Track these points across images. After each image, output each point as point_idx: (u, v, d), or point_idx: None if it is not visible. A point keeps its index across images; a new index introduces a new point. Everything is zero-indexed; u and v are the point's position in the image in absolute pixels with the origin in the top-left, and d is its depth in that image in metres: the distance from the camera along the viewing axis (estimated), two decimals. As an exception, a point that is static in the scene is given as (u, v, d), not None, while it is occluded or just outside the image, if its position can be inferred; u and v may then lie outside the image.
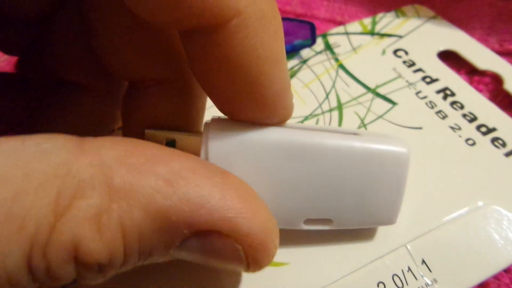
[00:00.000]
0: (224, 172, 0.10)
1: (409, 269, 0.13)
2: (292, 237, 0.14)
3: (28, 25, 0.14)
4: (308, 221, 0.13)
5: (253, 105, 0.11)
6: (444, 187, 0.15)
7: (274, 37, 0.10)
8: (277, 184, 0.12)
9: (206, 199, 0.09)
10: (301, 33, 0.20)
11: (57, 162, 0.08)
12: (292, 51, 0.20)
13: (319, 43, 0.20)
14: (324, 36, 0.21)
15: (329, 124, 0.17)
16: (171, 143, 0.13)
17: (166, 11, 0.09)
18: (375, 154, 0.12)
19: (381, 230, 0.14)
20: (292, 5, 0.25)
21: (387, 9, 0.23)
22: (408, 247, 0.14)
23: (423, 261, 0.13)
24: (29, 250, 0.08)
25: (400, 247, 0.14)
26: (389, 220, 0.13)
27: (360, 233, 0.14)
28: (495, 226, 0.14)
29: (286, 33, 0.19)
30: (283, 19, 0.19)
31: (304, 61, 0.19)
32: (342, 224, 0.13)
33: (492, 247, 0.13)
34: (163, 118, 0.13)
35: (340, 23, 0.24)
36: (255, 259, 0.10)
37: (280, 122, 0.12)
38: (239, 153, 0.11)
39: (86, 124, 0.15)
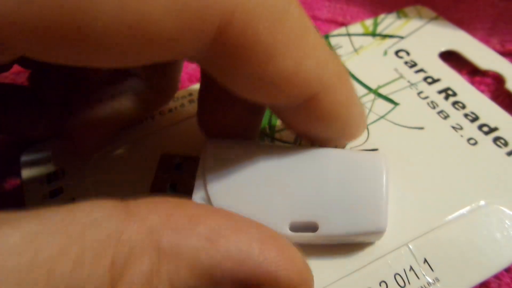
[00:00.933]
0: (259, 224, 0.11)
1: (411, 268, 0.13)
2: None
3: None
4: (293, 226, 0.13)
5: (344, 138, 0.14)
6: (446, 187, 0.15)
7: (347, 79, 0.13)
8: (263, 188, 0.13)
9: (246, 254, 0.10)
10: None
11: (108, 231, 0.09)
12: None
13: (321, 45, 0.20)
14: (326, 37, 0.21)
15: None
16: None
17: (268, 99, 0.12)
18: (352, 158, 0.13)
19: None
20: (293, 6, 0.25)
21: (389, 10, 0.23)
22: (410, 246, 0.14)
23: (425, 260, 0.13)
24: None
25: (402, 246, 0.14)
26: (377, 227, 0.13)
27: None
28: (497, 225, 0.14)
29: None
30: None
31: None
32: (329, 229, 0.12)
33: (494, 246, 0.13)
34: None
35: (341, 24, 0.24)
36: None
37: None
38: (232, 167, 0.13)
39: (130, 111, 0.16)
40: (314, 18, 0.24)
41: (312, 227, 0.13)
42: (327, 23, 0.24)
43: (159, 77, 0.17)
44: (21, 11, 0.08)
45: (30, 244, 0.08)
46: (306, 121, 0.13)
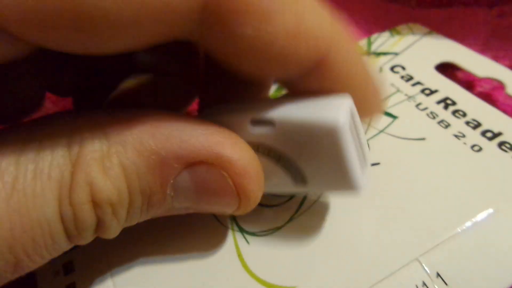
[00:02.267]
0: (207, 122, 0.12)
1: (424, 284, 0.13)
2: (298, 260, 0.13)
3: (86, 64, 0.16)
4: (253, 121, 0.12)
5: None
6: (454, 196, 0.14)
7: (357, 52, 0.12)
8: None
9: (190, 135, 0.11)
10: None
11: (63, 125, 0.10)
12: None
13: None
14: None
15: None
16: None
17: (276, 68, 0.11)
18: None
19: (391, 245, 0.13)
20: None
21: (384, 27, 0.23)
22: (421, 260, 0.13)
23: (438, 274, 0.13)
24: (59, 196, 0.10)
25: (412, 261, 0.13)
26: (334, 118, 0.11)
27: (368, 247, 0.13)
28: (510, 232, 0.13)
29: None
30: None
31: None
32: (286, 122, 0.12)
33: (509, 255, 0.13)
34: None
35: None
36: (242, 188, 0.11)
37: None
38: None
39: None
40: None
41: (270, 124, 0.12)
42: None
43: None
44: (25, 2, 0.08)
45: None
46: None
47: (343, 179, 0.12)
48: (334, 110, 0.11)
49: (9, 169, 0.09)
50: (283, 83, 0.13)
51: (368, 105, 0.13)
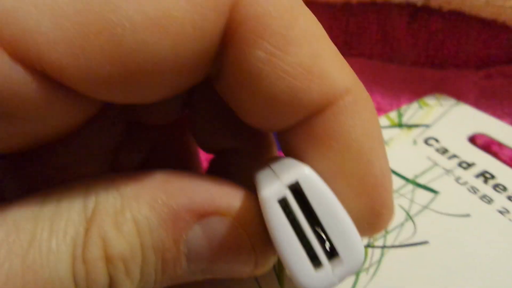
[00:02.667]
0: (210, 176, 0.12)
1: None
2: None
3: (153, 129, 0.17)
4: None
5: (359, 189, 0.11)
6: (502, 276, 0.14)
7: (374, 113, 0.11)
8: None
9: (199, 188, 0.11)
10: None
11: (79, 187, 0.11)
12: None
13: (351, 140, 0.22)
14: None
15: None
16: None
17: (283, 122, 0.11)
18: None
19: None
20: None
21: (382, 86, 0.25)
22: None
23: None
24: (73, 253, 0.10)
25: None
26: None
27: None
28: None
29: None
30: None
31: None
32: None
33: None
34: None
35: None
36: (258, 244, 0.11)
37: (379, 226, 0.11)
38: None
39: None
40: None
41: None
42: None
43: None
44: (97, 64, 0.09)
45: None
46: (319, 140, 0.11)
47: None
48: (271, 180, 0.10)
49: (26, 227, 0.10)
50: (280, 136, 0.12)
51: (366, 201, 0.11)
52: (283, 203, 0.10)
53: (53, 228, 0.10)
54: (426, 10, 0.27)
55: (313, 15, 0.11)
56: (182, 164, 0.18)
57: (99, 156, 0.15)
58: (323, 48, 0.10)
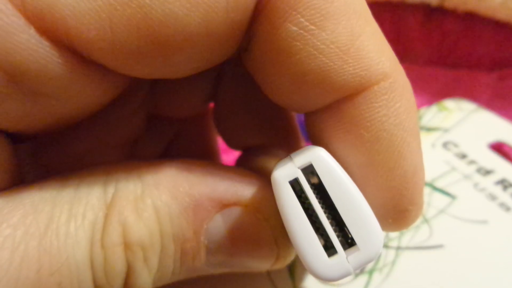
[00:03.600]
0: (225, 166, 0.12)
1: None
2: None
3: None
4: None
5: (389, 181, 0.10)
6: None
7: (412, 103, 0.10)
8: None
9: (223, 178, 0.11)
10: None
11: (99, 171, 0.11)
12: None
13: (368, 139, 0.21)
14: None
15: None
16: None
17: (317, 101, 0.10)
18: None
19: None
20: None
21: (421, 99, 0.24)
22: None
23: None
24: (91, 237, 0.10)
25: None
26: None
27: None
28: None
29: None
30: None
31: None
32: None
33: None
34: None
35: None
36: (278, 234, 0.11)
37: (405, 220, 0.11)
38: None
39: None
40: None
41: None
42: None
43: None
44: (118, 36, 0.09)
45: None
46: (348, 126, 0.10)
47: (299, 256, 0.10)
48: (285, 161, 0.10)
49: (45, 209, 0.10)
50: (309, 118, 0.11)
51: (392, 196, 0.10)
52: (297, 186, 0.09)
53: (72, 212, 0.10)
54: (441, 10, 0.27)
55: None
56: (202, 159, 0.18)
57: (118, 146, 0.15)
58: (363, 26, 0.09)
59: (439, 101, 0.23)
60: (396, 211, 0.11)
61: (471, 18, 0.26)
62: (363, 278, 0.15)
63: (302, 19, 0.09)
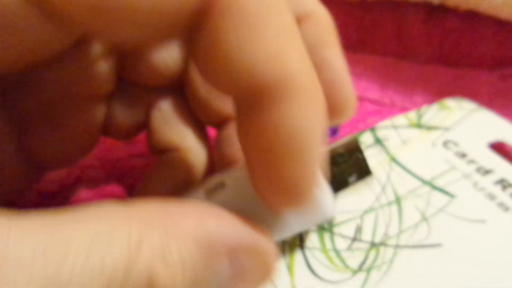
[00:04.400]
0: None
1: None
2: None
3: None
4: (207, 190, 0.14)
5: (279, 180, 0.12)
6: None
7: (320, 109, 0.11)
8: None
9: (233, 226, 0.11)
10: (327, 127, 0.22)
11: (118, 218, 0.10)
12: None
13: (368, 137, 0.21)
14: (373, 130, 0.22)
15: (389, 221, 0.17)
16: None
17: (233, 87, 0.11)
18: None
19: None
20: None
21: (395, 83, 0.25)
22: None
23: None
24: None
25: None
26: None
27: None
28: None
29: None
30: None
31: (356, 155, 0.20)
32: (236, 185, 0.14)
33: None
34: None
35: None
36: (272, 269, 0.12)
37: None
38: None
39: None
40: None
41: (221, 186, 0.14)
42: None
43: None
44: None
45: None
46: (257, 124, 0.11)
47: None
48: None
49: (58, 251, 0.09)
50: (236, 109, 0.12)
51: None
52: None
53: (89, 259, 0.09)
54: (442, 9, 0.27)
55: (287, 4, 0.11)
56: (186, 130, 0.18)
57: (89, 99, 0.16)
58: (290, 40, 0.11)
59: (440, 100, 0.23)
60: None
61: (473, 17, 0.26)
62: (361, 276, 0.15)
63: (239, 33, 0.10)
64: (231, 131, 0.17)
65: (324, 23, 0.15)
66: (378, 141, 0.21)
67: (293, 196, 0.12)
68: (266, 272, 0.12)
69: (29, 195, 0.20)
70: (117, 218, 0.10)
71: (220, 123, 0.17)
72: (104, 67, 0.15)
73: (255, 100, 0.11)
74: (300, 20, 0.14)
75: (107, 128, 0.17)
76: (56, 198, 0.20)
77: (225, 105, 0.17)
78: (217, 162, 0.18)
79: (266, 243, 0.12)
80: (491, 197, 0.18)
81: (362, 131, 0.22)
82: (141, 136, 0.24)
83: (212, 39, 0.11)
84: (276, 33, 0.11)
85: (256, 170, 0.12)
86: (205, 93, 0.17)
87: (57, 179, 0.21)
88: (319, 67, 0.14)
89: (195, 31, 0.11)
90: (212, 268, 0.11)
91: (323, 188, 0.13)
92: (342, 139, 0.18)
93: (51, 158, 0.16)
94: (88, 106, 0.16)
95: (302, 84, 0.11)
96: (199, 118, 0.18)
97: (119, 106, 0.17)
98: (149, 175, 0.18)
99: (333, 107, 0.15)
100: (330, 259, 0.16)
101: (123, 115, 0.17)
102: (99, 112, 0.16)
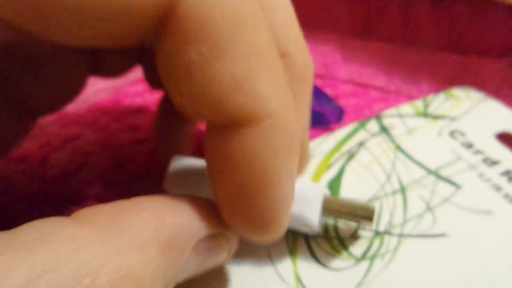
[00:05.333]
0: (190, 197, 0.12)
1: None
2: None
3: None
4: None
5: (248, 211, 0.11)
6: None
7: (295, 147, 0.11)
8: None
9: (193, 217, 0.11)
10: (331, 113, 0.23)
11: (63, 241, 0.09)
12: (320, 123, 0.22)
13: (374, 125, 0.21)
14: (378, 118, 0.22)
15: (393, 209, 0.17)
16: None
17: (202, 113, 0.10)
18: None
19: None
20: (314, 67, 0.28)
21: (401, 70, 0.24)
22: None
23: None
24: None
25: None
26: None
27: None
28: None
29: (319, 114, 0.22)
30: (317, 102, 0.22)
31: (361, 144, 0.20)
32: None
33: None
34: None
35: (358, 84, 0.26)
36: (233, 242, 0.13)
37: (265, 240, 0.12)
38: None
39: None
40: (333, 77, 0.27)
41: None
42: (345, 83, 0.27)
43: None
44: None
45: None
46: (227, 155, 0.11)
47: None
48: None
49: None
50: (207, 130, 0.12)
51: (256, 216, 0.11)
52: None
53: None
54: None
55: (266, 28, 0.10)
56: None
57: (75, 55, 0.15)
58: (261, 64, 0.10)
59: (447, 89, 0.23)
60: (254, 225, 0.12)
61: (482, 2, 0.26)
62: (364, 264, 0.15)
63: (203, 50, 0.09)
64: None
65: (301, 67, 0.14)
66: (383, 129, 0.21)
67: (254, 224, 0.11)
68: (228, 251, 0.12)
69: (32, 182, 0.20)
70: (61, 240, 0.09)
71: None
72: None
73: (219, 123, 0.10)
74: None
75: (95, 69, 0.17)
76: (59, 184, 0.20)
77: None
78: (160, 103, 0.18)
79: (222, 225, 0.12)
80: (497, 188, 0.17)
81: (367, 119, 0.21)
82: (144, 123, 0.24)
83: (173, 51, 0.10)
84: (247, 52, 0.10)
85: (220, 194, 0.11)
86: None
87: (60, 165, 0.21)
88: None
89: (157, 37, 0.10)
90: (179, 263, 0.11)
91: (309, 203, 0.14)
92: (359, 203, 0.15)
93: (39, 105, 0.16)
94: (73, 53, 0.15)
95: (270, 114, 0.10)
96: None
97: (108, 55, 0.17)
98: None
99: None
100: (333, 247, 0.16)
101: (110, 56, 0.17)
102: (85, 57, 0.16)
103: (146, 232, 0.10)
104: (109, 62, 0.17)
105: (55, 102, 0.17)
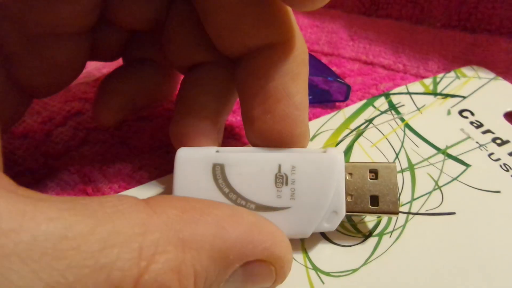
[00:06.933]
0: (249, 211, 0.13)
1: None
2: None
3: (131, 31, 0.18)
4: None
5: None
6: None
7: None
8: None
9: (250, 236, 0.11)
10: (338, 91, 0.22)
11: (135, 221, 0.10)
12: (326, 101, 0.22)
13: (383, 102, 0.21)
14: (387, 95, 0.21)
15: (402, 187, 0.17)
16: None
17: None
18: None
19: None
20: (319, 44, 0.28)
21: (409, 49, 0.24)
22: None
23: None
24: None
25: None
26: None
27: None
28: None
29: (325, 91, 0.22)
30: (325, 79, 0.22)
31: (370, 120, 0.20)
32: None
33: None
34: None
35: (364, 62, 0.26)
36: (281, 274, 0.13)
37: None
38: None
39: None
40: (339, 56, 0.27)
41: None
42: (351, 61, 0.26)
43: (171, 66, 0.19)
44: None
45: (60, 221, 0.09)
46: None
47: None
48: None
49: (72, 244, 0.09)
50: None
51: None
52: None
53: (96, 267, 0.09)
54: None
55: None
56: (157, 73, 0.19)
57: (74, 35, 0.16)
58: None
59: (457, 68, 0.23)
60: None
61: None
62: (372, 241, 0.15)
63: None
64: (198, 75, 0.17)
65: (297, 53, 0.15)
66: (392, 106, 0.21)
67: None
68: (278, 278, 0.13)
69: (35, 157, 0.20)
70: (134, 220, 0.10)
71: (189, 68, 0.18)
72: (86, 3, 0.15)
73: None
74: (274, 47, 0.15)
75: (93, 54, 0.18)
76: (61, 160, 0.20)
77: (195, 51, 0.17)
78: (177, 102, 0.18)
79: (282, 251, 0.12)
80: (507, 168, 0.17)
81: (376, 96, 0.21)
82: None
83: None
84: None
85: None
86: (181, 40, 0.17)
87: (63, 141, 0.21)
88: (280, 98, 0.15)
89: None
90: (224, 277, 0.11)
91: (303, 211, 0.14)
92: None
93: (39, 87, 0.16)
94: (73, 38, 0.16)
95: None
96: (170, 62, 0.19)
97: (103, 34, 0.18)
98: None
99: (282, 141, 0.15)
100: (341, 224, 0.16)
101: (108, 41, 0.18)
102: (84, 42, 0.16)
103: (204, 235, 0.11)
104: (106, 49, 0.18)
105: (55, 84, 0.17)
